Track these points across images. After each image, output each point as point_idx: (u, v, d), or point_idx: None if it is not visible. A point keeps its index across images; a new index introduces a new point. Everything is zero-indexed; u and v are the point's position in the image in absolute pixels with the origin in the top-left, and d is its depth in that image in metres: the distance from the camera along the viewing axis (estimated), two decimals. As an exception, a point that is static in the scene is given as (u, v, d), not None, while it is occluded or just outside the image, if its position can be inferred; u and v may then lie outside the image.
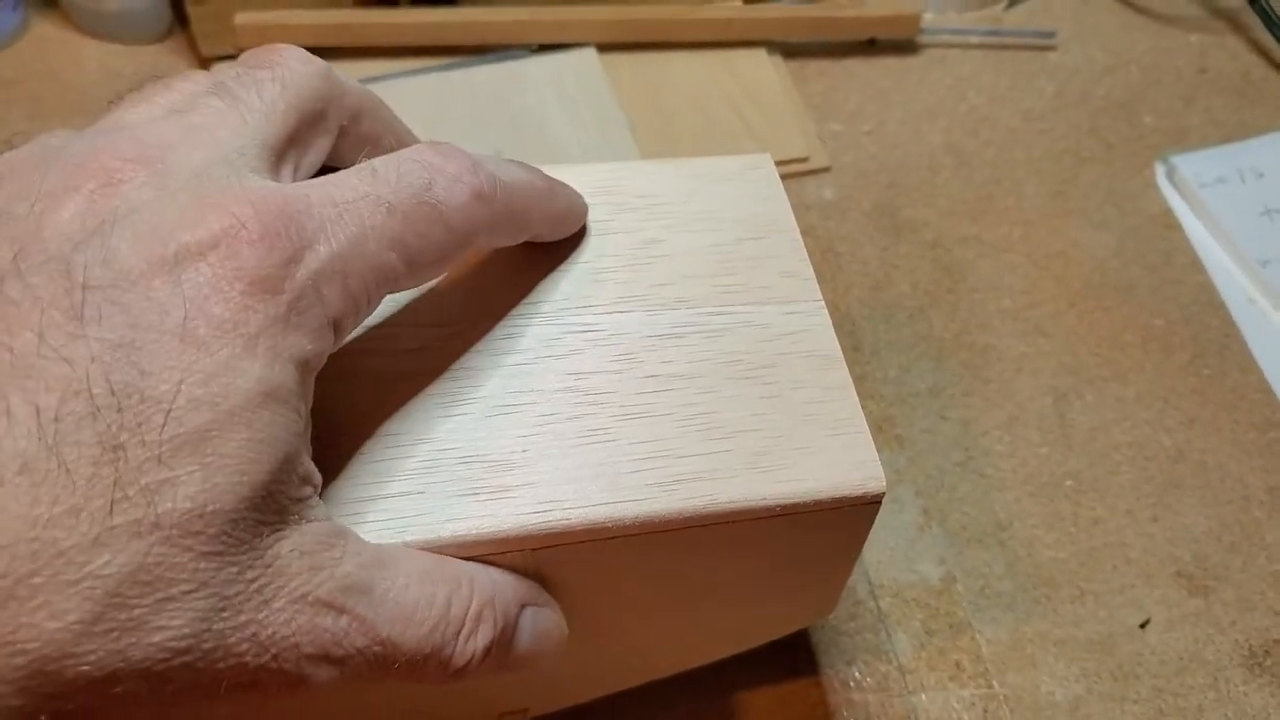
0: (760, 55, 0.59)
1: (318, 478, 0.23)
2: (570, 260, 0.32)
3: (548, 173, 0.33)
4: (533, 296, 0.31)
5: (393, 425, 0.28)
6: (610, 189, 0.34)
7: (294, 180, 0.25)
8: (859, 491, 0.29)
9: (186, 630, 0.19)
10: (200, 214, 0.21)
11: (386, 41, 0.56)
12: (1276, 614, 0.41)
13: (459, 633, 0.24)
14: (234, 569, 0.20)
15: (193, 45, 0.56)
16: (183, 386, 0.19)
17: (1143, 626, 0.41)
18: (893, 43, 0.61)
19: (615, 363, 0.30)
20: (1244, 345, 0.49)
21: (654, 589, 0.31)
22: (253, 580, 0.20)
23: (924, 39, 0.61)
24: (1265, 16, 0.61)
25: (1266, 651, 0.40)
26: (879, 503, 0.29)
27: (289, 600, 0.21)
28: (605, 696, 0.36)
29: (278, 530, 0.21)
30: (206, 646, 0.20)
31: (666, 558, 0.30)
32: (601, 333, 0.30)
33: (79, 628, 0.18)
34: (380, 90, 0.54)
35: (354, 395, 0.28)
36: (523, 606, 0.26)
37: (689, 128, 0.55)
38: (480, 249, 0.29)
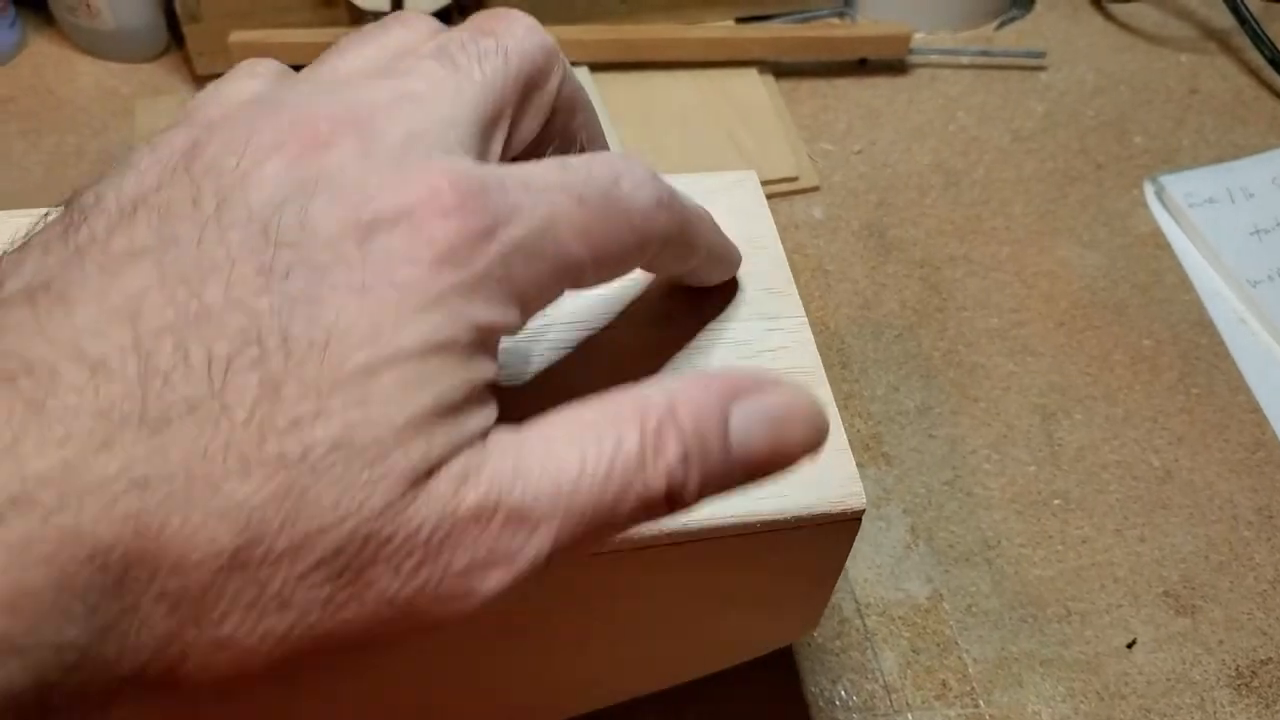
0: (752, 75, 0.59)
1: (488, 426, 0.21)
2: (552, 277, 0.32)
3: None
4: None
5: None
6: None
7: (498, 158, 0.25)
8: (839, 508, 0.29)
9: (333, 556, 0.19)
10: (400, 184, 0.21)
11: (379, 60, 0.56)
12: (1264, 634, 0.41)
13: (647, 459, 0.21)
14: (382, 496, 0.20)
15: (188, 63, 0.57)
16: (351, 333, 0.20)
17: (1130, 646, 0.41)
18: (883, 63, 0.61)
19: (595, 380, 0.30)
20: (1233, 365, 0.49)
21: (632, 607, 0.31)
22: (403, 505, 0.20)
23: (914, 59, 0.61)
24: (1256, 37, 0.61)
25: (1254, 672, 0.40)
26: (859, 519, 0.29)
27: (438, 520, 0.20)
28: (584, 716, 0.36)
29: (429, 463, 0.20)
30: (355, 566, 0.19)
31: (644, 576, 0.30)
32: (584, 350, 0.30)
33: (227, 556, 0.18)
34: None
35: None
36: (731, 400, 0.23)
37: (680, 147, 0.55)
38: (646, 268, 0.28)
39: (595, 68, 0.58)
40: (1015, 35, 0.64)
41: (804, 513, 0.28)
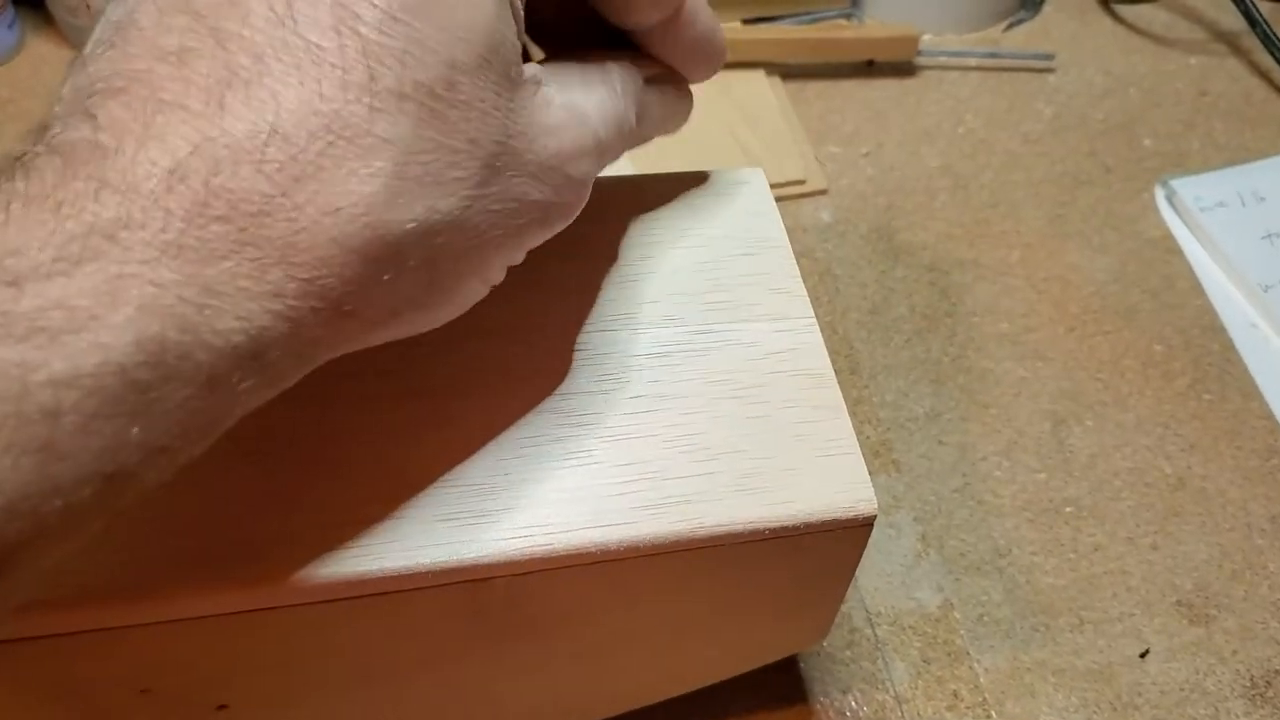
0: (759, 77, 0.58)
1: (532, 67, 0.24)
2: (556, 277, 0.31)
3: None
4: (516, 314, 0.30)
5: (370, 448, 0.27)
6: (598, 203, 0.33)
7: None
8: (850, 514, 0.28)
9: (476, 176, 0.21)
10: None
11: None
12: (1278, 643, 0.41)
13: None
14: (497, 116, 0.21)
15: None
16: None
17: (1143, 656, 0.40)
18: (891, 65, 0.61)
19: (600, 383, 0.29)
20: (1245, 371, 0.49)
21: (640, 613, 0.30)
22: (511, 122, 0.22)
23: (922, 60, 0.61)
24: (1266, 39, 0.61)
25: (1268, 682, 0.40)
26: (871, 525, 0.28)
27: (539, 134, 0.23)
28: (593, 725, 0.35)
29: (515, 85, 0.22)
30: (494, 190, 0.22)
31: (653, 582, 0.29)
32: (587, 352, 0.30)
33: (393, 185, 0.19)
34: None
35: (330, 418, 0.28)
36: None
37: (685, 149, 0.55)
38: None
39: (599, 69, 0.57)
40: (1023, 37, 0.64)
41: (815, 518, 0.28)
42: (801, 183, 0.54)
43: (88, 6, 0.56)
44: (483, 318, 0.30)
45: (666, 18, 0.27)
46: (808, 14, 0.62)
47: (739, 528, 0.27)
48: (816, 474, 0.28)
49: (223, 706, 0.29)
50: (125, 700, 0.24)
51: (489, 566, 0.26)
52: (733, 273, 0.32)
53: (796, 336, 0.31)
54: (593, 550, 0.27)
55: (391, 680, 0.30)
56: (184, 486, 0.26)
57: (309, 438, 0.27)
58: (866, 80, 0.60)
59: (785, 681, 0.39)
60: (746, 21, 0.61)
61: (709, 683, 0.35)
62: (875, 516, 0.28)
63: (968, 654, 0.40)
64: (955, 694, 0.39)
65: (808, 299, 0.32)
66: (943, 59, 0.61)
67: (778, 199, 0.35)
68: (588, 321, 0.30)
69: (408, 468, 0.27)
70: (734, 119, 0.56)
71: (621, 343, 0.30)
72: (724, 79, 0.58)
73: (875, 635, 0.40)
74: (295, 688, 0.29)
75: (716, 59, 0.30)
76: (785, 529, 0.28)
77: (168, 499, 0.26)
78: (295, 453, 0.27)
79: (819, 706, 0.38)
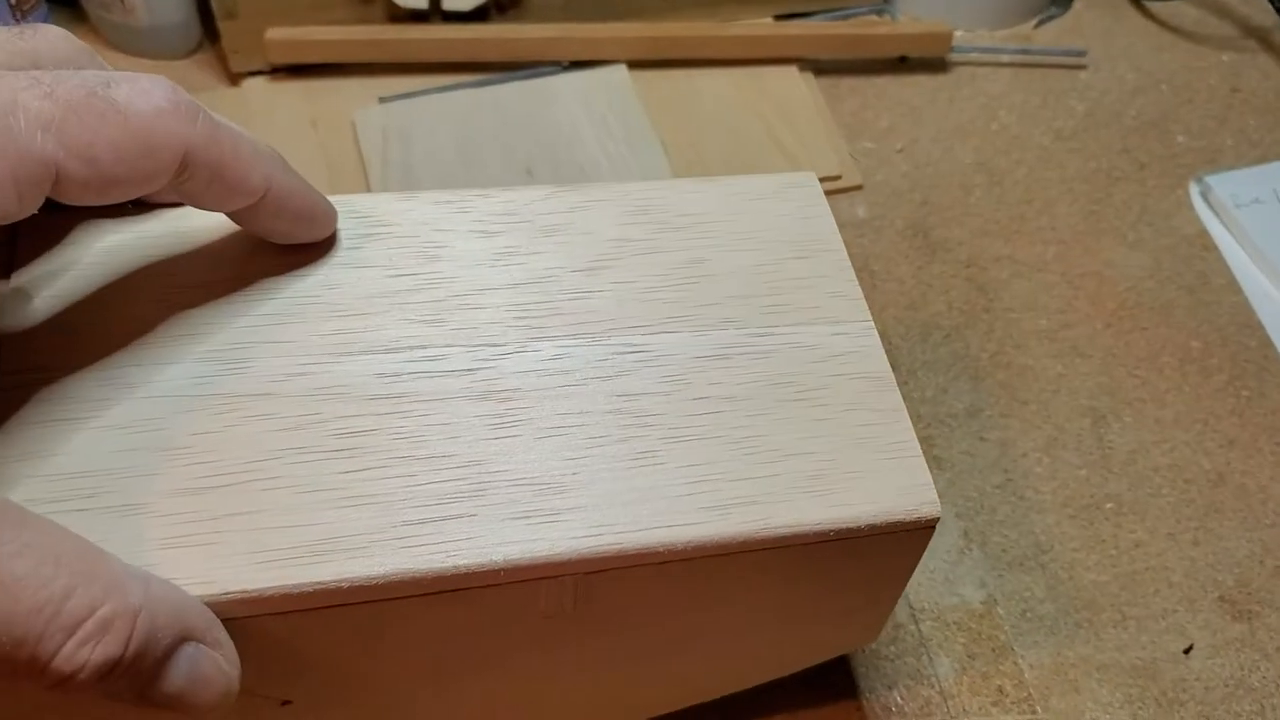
0: (791, 73, 0.58)
1: None
2: (615, 281, 0.32)
3: (587, 191, 0.33)
4: (579, 318, 0.31)
5: (442, 447, 0.28)
6: (652, 208, 0.33)
7: None
8: (913, 516, 0.28)
9: None
10: None
11: (418, 58, 0.56)
12: (1322, 640, 0.41)
13: (71, 633, 0.21)
14: None
15: (223, 60, 0.56)
16: None
17: (1186, 652, 0.40)
18: (924, 61, 0.61)
19: (664, 384, 0.30)
20: (1282, 366, 0.49)
21: (702, 613, 0.31)
22: None
23: (955, 57, 0.61)
24: (1297, 35, 0.61)
25: (1313, 678, 0.40)
26: (933, 527, 0.29)
27: None
28: (646, 721, 0.36)
29: None
30: None
31: (716, 582, 0.29)
32: (649, 354, 0.30)
33: None
34: (411, 106, 0.55)
35: (403, 417, 0.28)
36: (184, 640, 0.23)
37: (720, 145, 0.55)
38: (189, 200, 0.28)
39: (633, 65, 0.57)
40: (1054, 33, 0.64)
41: (879, 520, 0.28)
42: (837, 178, 0.54)
43: (123, 2, 0.56)
44: (547, 322, 0.30)
45: (250, 204, 0.27)
46: (840, 10, 0.62)
47: (805, 529, 0.28)
48: (880, 476, 0.29)
49: (286, 702, 0.29)
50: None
51: (560, 564, 0.26)
52: (789, 276, 0.32)
53: (856, 340, 0.31)
54: (660, 550, 0.27)
55: (458, 677, 0.30)
56: (267, 483, 0.26)
57: (389, 440, 0.27)
58: (899, 76, 0.60)
59: (832, 678, 0.39)
60: (779, 17, 0.61)
61: (766, 679, 0.35)
62: (938, 519, 0.29)
63: (1012, 650, 0.40)
64: (1000, 689, 0.39)
65: (864, 302, 0.32)
66: (975, 55, 0.61)
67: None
68: (648, 324, 0.31)
69: (478, 467, 0.27)
70: (769, 115, 0.56)
71: (682, 345, 0.30)
72: (756, 75, 0.58)
73: (920, 631, 0.40)
74: (359, 685, 0.30)
75: (319, 230, 0.30)
76: (850, 530, 0.28)
77: (252, 495, 0.26)
78: (375, 451, 0.27)
79: (865, 702, 0.39)
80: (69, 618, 0.21)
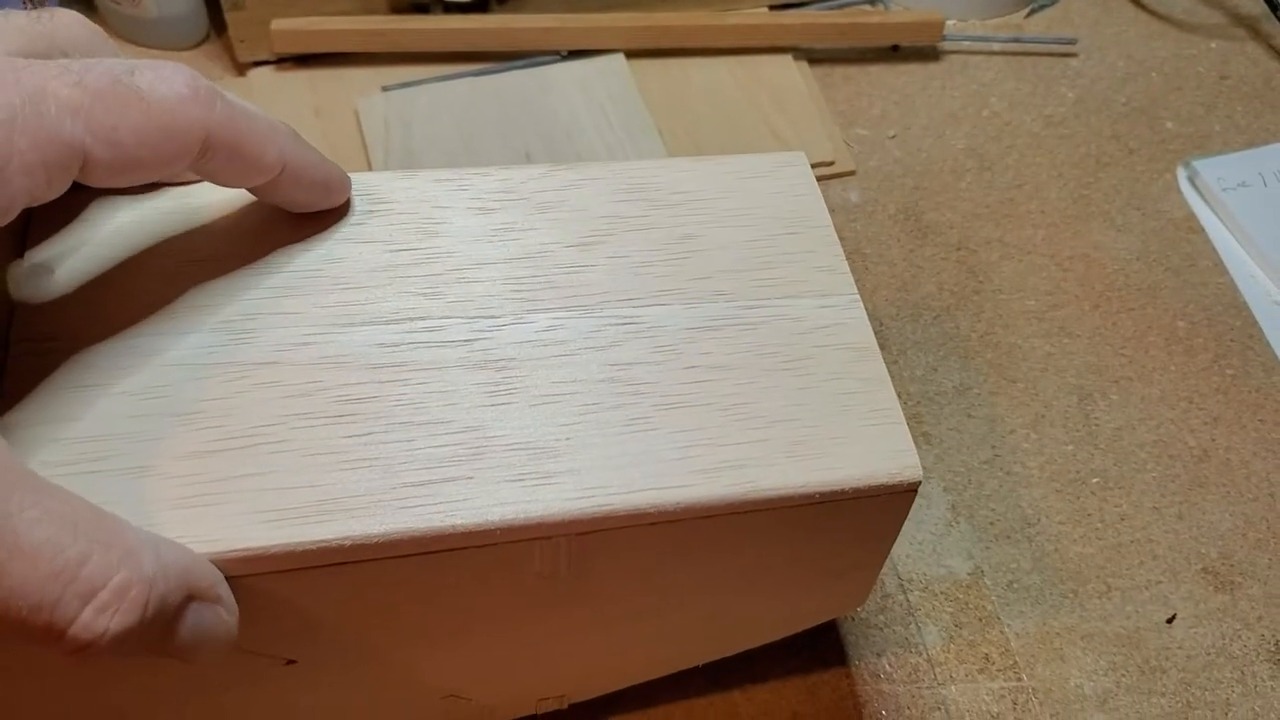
0: (786, 61, 0.59)
1: None
2: (609, 256, 0.33)
3: (581, 170, 0.34)
4: (574, 290, 0.32)
5: (441, 413, 0.29)
6: (645, 186, 0.34)
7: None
8: (896, 479, 0.29)
9: None
10: None
11: (420, 48, 0.57)
12: (1302, 610, 0.42)
13: (87, 600, 0.22)
14: None
15: (229, 51, 0.57)
16: None
17: (1170, 622, 0.41)
18: (916, 49, 0.62)
19: (655, 354, 0.31)
20: (1267, 346, 0.50)
21: (692, 577, 0.32)
22: None
23: (946, 46, 0.62)
24: (1286, 23, 0.62)
25: (1292, 646, 0.41)
26: (915, 491, 0.30)
27: None
28: (640, 685, 0.37)
29: None
30: None
31: (706, 545, 0.30)
32: (641, 325, 0.31)
33: None
34: (413, 95, 0.56)
35: (403, 385, 0.29)
36: (191, 599, 0.24)
37: (716, 132, 0.56)
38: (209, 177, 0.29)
39: (631, 55, 0.58)
40: (1045, 22, 0.65)
41: (863, 483, 0.29)
42: (830, 164, 0.55)
43: (131, -6, 0.57)
44: (541, 294, 0.31)
45: (269, 179, 0.29)
46: (834, -1, 0.63)
47: (790, 491, 0.29)
48: (863, 442, 0.30)
49: (291, 662, 0.30)
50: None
51: (554, 525, 0.28)
52: (778, 251, 0.33)
53: (841, 312, 0.32)
54: (651, 511, 0.28)
55: (454, 638, 0.31)
56: (273, 446, 0.27)
57: (389, 406, 0.29)
58: (892, 65, 0.61)
59: (822, 645, 0.40)
60: (774, 7, 0.62)
61: (756, 644, 0.36)
62: (920, 482, 0.30)
63: (998, 619, 0.41)
64: (986, 657, 0.40)
65: (851, 277, 0.33)
66: (967, 44, 0.62)
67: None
68: (640, 297, 0.32)
69: (475, 432, 0.28)
70: (764, 102, 0.57)
71: (673, 317, 0.32)
72: (751, 63, 0.59)
73: (908, 601, 0.41)
74: (361, 645, 0.31)
75: (335, 197, 0.32)
76: (834, 493, 0.29)
77: (258, 458, 0.27)
78: (376, 417, 0.28)
79: (854, 669, 0.40)
80: (85, 584, 0.22)
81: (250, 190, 0.30)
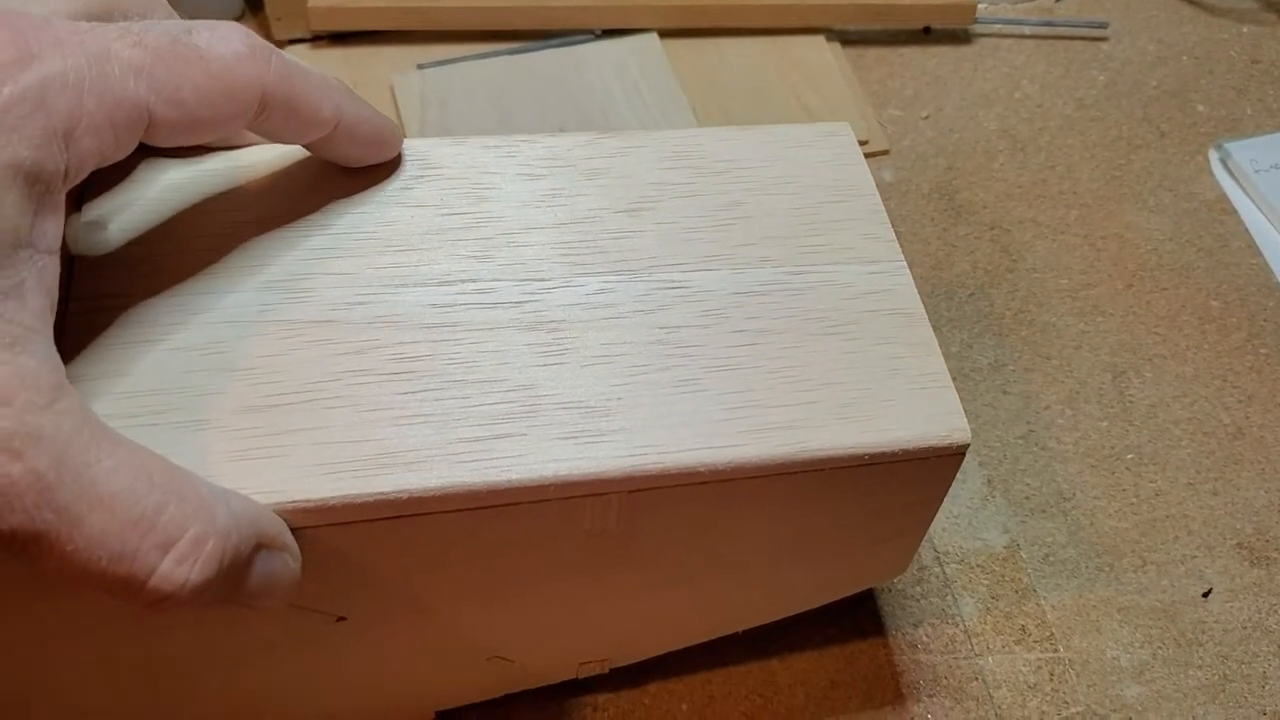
0: (819, 42, 0.60)
1: (35, 317, 0.22)
2: (656, 222, 0.33)
3: (627, 138, 0.34)
4: (622, 255, 0.32)
5: (493, 372, 0.29)
6: (690, 154, 0.35)
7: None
8: (945, 441, 0.29)
9: None
10: None
11: (455, 25, 0.57)
12: (1337, 586, 0.42)
13: (166, 550, 0.22)
14: None
15: (266, 28, 0.58)
16: None
17: (1205, 595, 0.41)
18: (948, 32, 0.62)
19: (703, 318, 0.31)
20: (1301, 327, 0.50)
21: (739, 540, 0.32)
22: None
23: (978, 28, 0.62)
24: (1318, 7, 0.62)
25: (1328, 622, 0.41)
26: (964, 453, 0.30)
27: None
28: (679, 651, 0.37)
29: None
30: None
31: (754, 507, 0.30)
32: (689, 289, 0.31)
33: None
34: (448, 73, 0.56)
35: (456, 344, 0.29)
36: (260, 548, 0.25)
37: (749, 111, 0.56)
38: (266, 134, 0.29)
39: (664, 34, 0.59)
40: (1076, 6, 0.65)
41: (913, 445, 0.29)
42: (864, 143, 0.55)
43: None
44: (591, 259, 0.32)
45: (325, 135, 0.29)
46: (865, -19, 0.63)
47: (840, 452, 0.29)
48: (912, 405, 0.30)
49: (341, 619, 0.31)
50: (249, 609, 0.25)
51: (605, 482, 0.28)
52: (824, 218, 0.34)
53: (889, 279, 0.32)
54: (702, 470, 0.28)
55: (505, 596, 0.32)
56: (330, 402, 0.28)
57: (443, 365, 0.29)
58: (924, 47, 0.61)
59: (861, 615, 0.40)
60: (806, -12, 0.62)
61: (799, 610, 0.37)
62: (968, 444, 0.30)
63: (1034, 591, 0.41)
64: (1023, 629, 0.40)
65: (897, 243, 0.33)
66: (998, 27, 0.62)
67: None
68: (688, 262, 0.32)
69: (528, 391, 0.29)
70: (797, 82, 0.57)
71: (721, 282, 0.32)
72: (784, 44, 0.59)
73: (944, 573, 0.42)
74: (412, 601, 0.31)
75: (388, 151, 0.32)
76: (884, 455, 0.29)
77: (315, 412, 0.28)
78: (431, 375, 0.29)
79: (891, 639, 0.40)
80: (163, 534, 0.22)
81: (306, 146, 0.30)
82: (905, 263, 0.33)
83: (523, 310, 0.30)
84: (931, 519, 0.34)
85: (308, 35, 0.58)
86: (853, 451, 0.29)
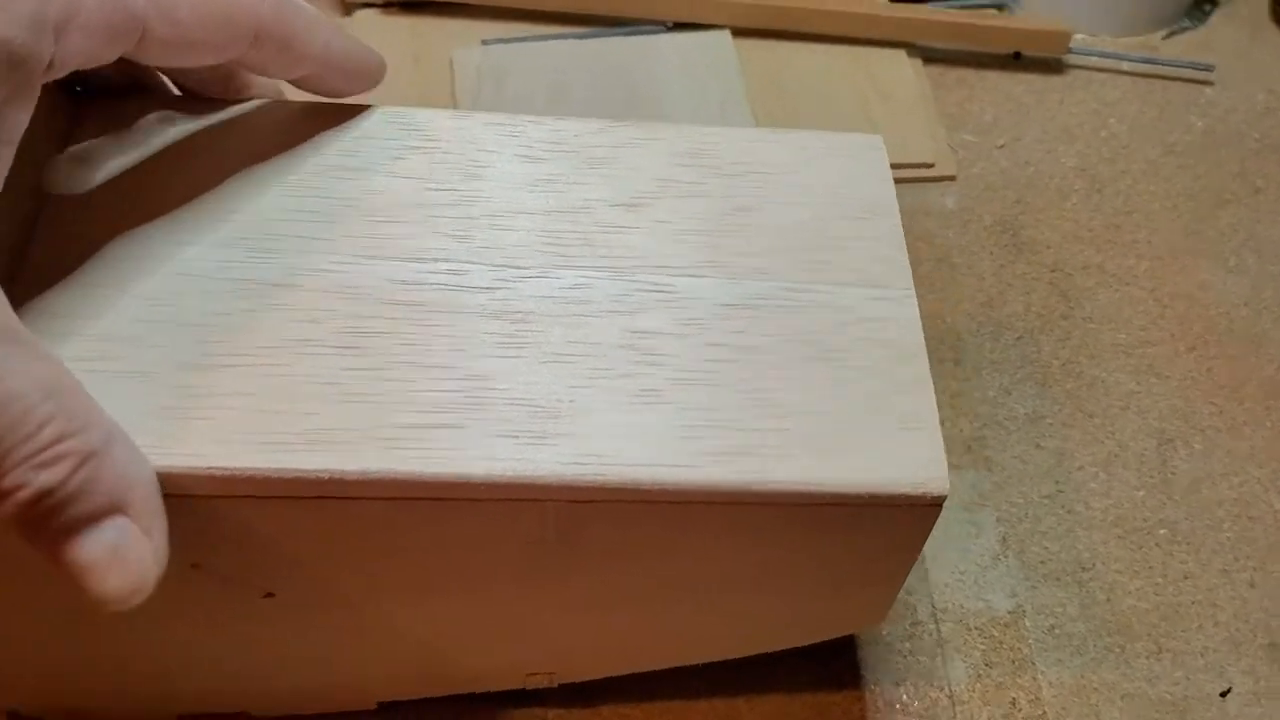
0: (900, 56, 0.57)
1: None
2: (654, 220, 0.31)
3: (642, 129, 0.33)
4: (609, 251, 0.30)
5: (446, 358, 0.27)
6: (706, 152, 0.33)
7: None
8: (919, 490, 0.27)
9: None
10: None
11: (526, 5, 0.56)
12: (1375, 703, 0.38)
13: (30, 459, 0.22)
14: None
15: None
16: None
17: (1223, 695, 0.38)
18: (1040, 60, 0.58)
19: (681, 326, 0.29)
20: (1379, 415, 0.46)
21: (694, 568, 0.30)
22: None
23: (1072, 59, 0.59)
24: None
25: (1358, 741, 0.37)
26: (939, 506, 0.28)
27: None
28: (637, 676, 0.35)
29: None
30: None
31: (710, 535, 0.28)
32: (672, 294, 0.29)
33: None
34: (511, 51, 0.55)
35: (414, 324, 0.28)
36: (117, 510, 0.23)
37: (812, 120, 0.54)
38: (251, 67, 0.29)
39: (738, 33, 0.57)
40: (1183, 47, 0.61)
41: (881, 490, 0.27)
42: (930, 166, 0.52)
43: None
44: (575, 251, 0.30)
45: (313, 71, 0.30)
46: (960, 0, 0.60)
47: (801, 488, 0.27)
48: (891, 447, 0.28)
49: (270, 594, 0.29)
50: (174, 572, 0.24)
51: (541, 488, 0.26)
52: (836, 235, 0.31)
53: (893, 307, 0.30)
54: (648, 488, 0.26)
55: (438, 595, 0.30)
56: (271, 369, 0.27)
57: (396, 345, 0.27)
58: (1011, 73, 0.58)
59: (839, 664, 0.38)
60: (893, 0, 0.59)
61: (763, 650, 0.34)
62: (944, 498, 0.27)
63: (1033, 664, 0.38)
64: (1013, 702, 0.37)
65: (910, 270, 0.31)
66: (1094, 60, 0.59)
67: (902, 179, 0.34)
68: (678, 265, 0.30)
69: (477, 381, 0.27)
70: (869, 96, 0.55)
71: (710, 290, 0.30)
72: (862, 55, 0.57)
73: (939, 632, 0.39)
74: (341, 588, 0.30)
75: (370, 84, 0.32)
76: (849, 497, 0.27)
77: (255, 378, 0.26)
78: (381, 353, 0.27)
79: (869, 694, 0.37)
80: (37, 444, 0.22)
81: (292, 82, 0.30)
82: (914, 292, 0.30)
83: (491, 296, 0.29)
84: (907, 570, 0.31)
85: (379, 0, 0.57)
86: (815, 489, 0.27)
